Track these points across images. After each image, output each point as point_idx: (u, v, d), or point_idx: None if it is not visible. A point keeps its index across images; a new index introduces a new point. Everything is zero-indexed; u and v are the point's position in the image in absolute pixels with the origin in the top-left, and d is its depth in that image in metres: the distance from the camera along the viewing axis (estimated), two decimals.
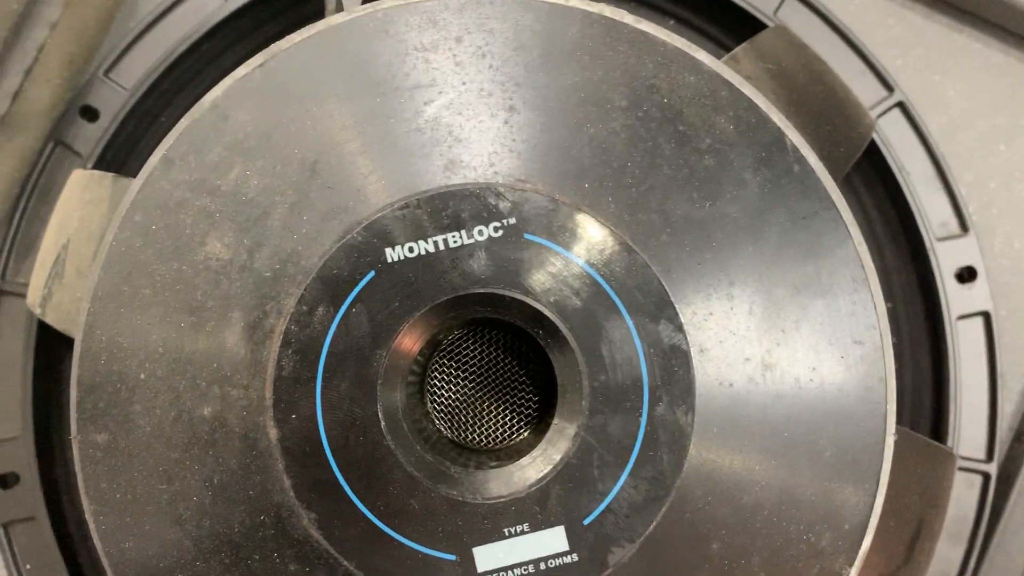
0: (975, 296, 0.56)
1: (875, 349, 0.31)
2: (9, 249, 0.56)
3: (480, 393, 0.37)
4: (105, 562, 0.32)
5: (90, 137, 0.57)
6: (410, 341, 0.31)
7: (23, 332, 0.56)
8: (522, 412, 0.37)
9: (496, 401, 0.37)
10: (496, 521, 0.30)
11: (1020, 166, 0.60)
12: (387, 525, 0.30)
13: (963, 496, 0.55)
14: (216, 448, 0.30)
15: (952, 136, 0.59)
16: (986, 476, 0.55)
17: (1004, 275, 0.59)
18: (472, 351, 0.37)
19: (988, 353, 0.56)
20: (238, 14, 0.54)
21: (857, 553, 0.31)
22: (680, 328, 0.31)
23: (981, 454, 0.55)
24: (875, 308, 0.31)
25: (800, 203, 0.31)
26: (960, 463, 0.55)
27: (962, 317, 0.56)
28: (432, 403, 0.37)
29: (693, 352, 0.31)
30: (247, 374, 0.30)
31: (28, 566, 0.55)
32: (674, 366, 0.30)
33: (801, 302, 0.31)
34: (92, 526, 0.32)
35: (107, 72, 0.57)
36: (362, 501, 0.30)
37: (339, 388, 0.30)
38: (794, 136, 0.32)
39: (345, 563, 0.30)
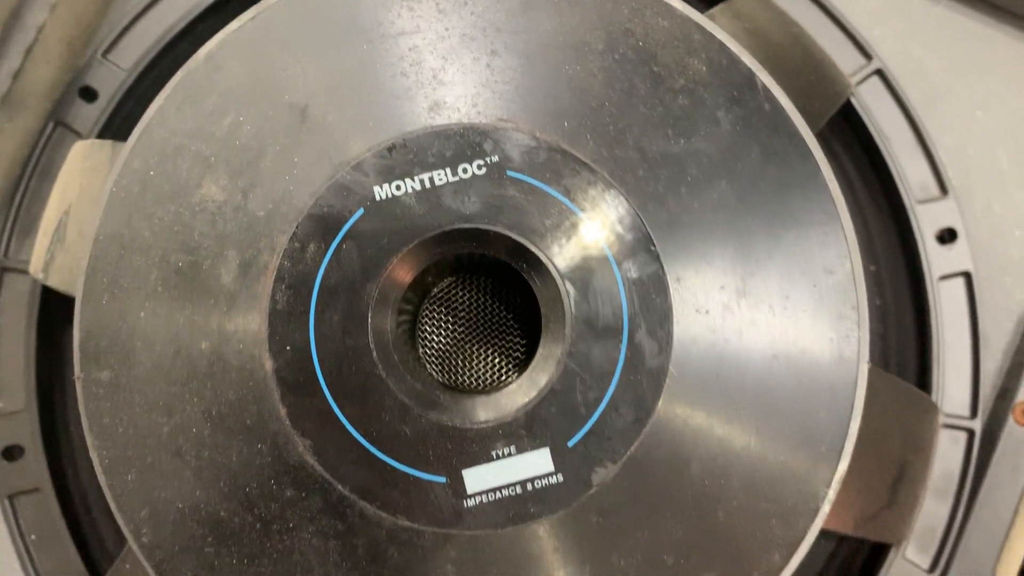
0: (956, 257, 0.57)
1: (847, 277, 0.32)
2: (11, 227, 0.58)
3: (470, 338, 0.38)
4: (108, 495, 0.33)
5: (89, 117, 0.58)
6: (399, 275, 0.32)
7: (26, 308, 0.57)
8: (511, 355, 0.38)
9: (485, 345, 0.38)
10: (484, 444, 0.31)
11: (998, 132, 0.61)
12: (379, 450, 0.31)
13: (948, 452, 0.57)
14: (214, 381, 0.31)
15: (931, 104, 0.61)
16: (971, 432, 0.56)
17: (985, 238, 0.60)
18: (461, 298, 0.39)
19: (970, 312, 0.57)
20: None
21: (833, 476, 0.32)
22: (657, 258, 0.32)
23: (965, 411, 0.56)
24: (846, 239, 0.33)
25: (771, 139, 0.33)
26: (945, 420, 0.56)
27: (944, 277, 0.57)
28: (424, 349, 0.38)
29: (670, 281, 0.32)
30: (243, 308, 0.31)
31: (33, 537, 0.56)
32: (652, 294, 0.32)
33: (773, 233, 0.33)
34: (95, 460, 0.33)
35: (105, 53, 0.58)
36: (355, 428, 0.31)
37: (331, 320, 0.31)
38: (765, 77, 0.33)
39: (339, 487, 0.31)
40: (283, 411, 0.31)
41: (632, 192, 0.32)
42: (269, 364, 0.31)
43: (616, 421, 0.31)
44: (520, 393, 0.32)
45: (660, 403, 0.31)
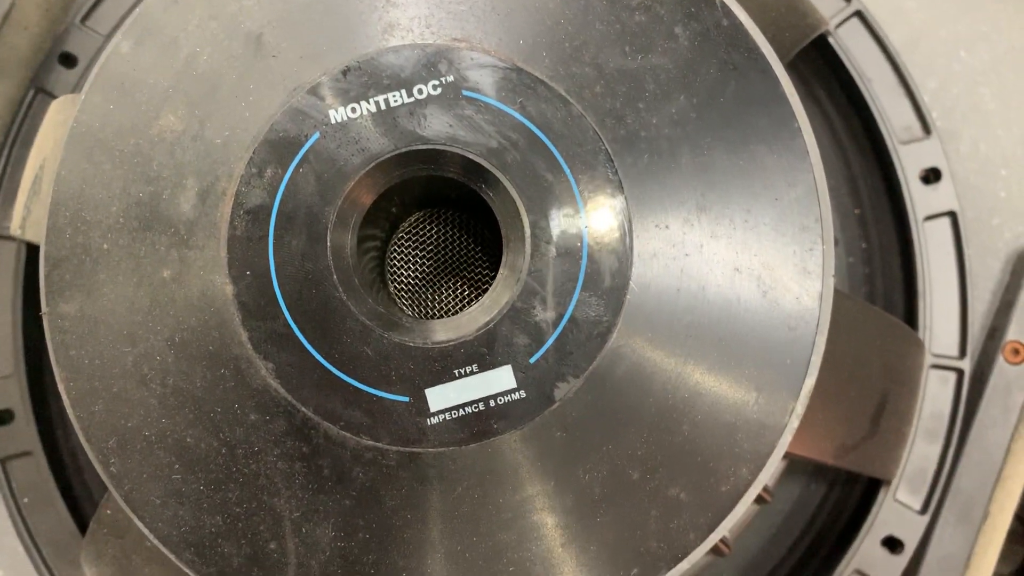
0: (941, 196, 0.57)
1: (808, 191, 0.32)
2: None
3: (438, 271, 0.38)
4: (76, 426, 0.33)
5: (69, 83, 0.58)
6: (357, 197, 0.32)
7: (12, 274, 0.57)
8: (479, 287, 0.38)
9: (454, 278, 0.38)
10: (446, 363, 0.31)
11: (982, 71, 0.61)
12: (342, 371, 0.31)
13: (938, 393, 0.56)
14: (176, 308, 0.32)
15: (914, 45, 0.60)
16: (960, 372, 0.56)
17: (972, 178, 0.60)
18: (429, 232, 0.39)
19: (956, 252, 0.57)
20: None
21: (800, 389, 0.32)
22: (615, 174, 0.32)
23: (954, 351, 0.56)
24: (808, 152, 0.32)
25: (730, 55, 0.33)
26: (934, 360, 0.56)
27: (929, 218, 0.57)
28: (393, 285, 0.38)
29: (629, 196, 0.32)
30: (203, 236, 0.32)
31: (25, 499, 0.57)
32: (610, 210, 0.32)
33: (733, 148, 0.32)
34: (63, 393, 0.33)
35: (83, 20, 0.58)
36: (317, 350, 0.31)
37: (290, 244, 0.31)
38: None
39: (303, 409, 0.31)
40: (244, 336, 0.31)
41: (589, 108, 0.32)
42: (230, 289, 0.31)
43: (577, 337, 0.31)
44: (481, 312, 0.32)
45: (621, 318, 0.31)
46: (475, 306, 0.32)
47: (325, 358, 0.31)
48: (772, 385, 0.32)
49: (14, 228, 0.48)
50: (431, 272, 0.38)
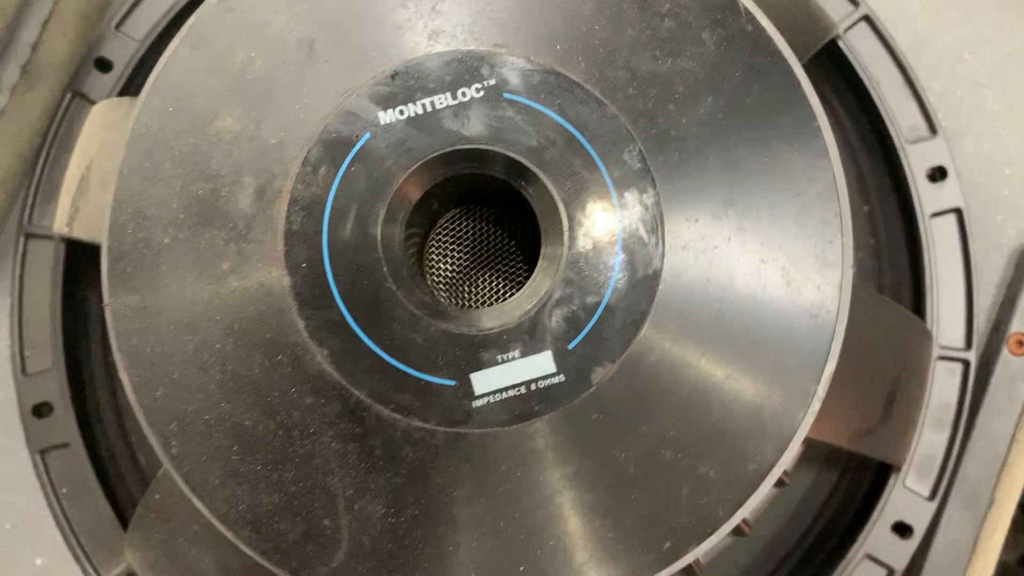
0: (946, 194, 0.59)
1: (828, 186, 0.34)
2: (34, 194, 0.60)
3: (475, 265, 0.40)
4: (139, 412, 0.35)
5: (105, 87, 0.60)
6: (405, 194, 0.34)
7: (50, 272, 0.59)
8: (513, 279, 0.40)
9: (489, 271, 0.40)
10: (490, 349, 0.33)
11: (986, 74, 0.63)
12: (392, 357, 0.33)
13: (945, 384, 0.58)
14: (235, 298, 0.34)
15: (919, 49, 0.62)
16: (966, 363, 0.58)
17: (976, 176, 0.62)
18: (466, 228, 0.41)
19: (962, 247, 0.59)
20: None
21: (822, 373, 0.34)
22: (648, 170, 0.34)
23: (960, 343, 0.58)
24: (827, 150, 0.34)
25: (754, 58, 0.35)
26: (941, 352, 0.58)
27: (935, 215, 0.59)
28: (431, 277, 0.40)
29: (661, 191, 0.34)
30: (260, 230, 0.34)
31: (64, 490, 0.59)
32: (644, 205, 0.34)
33: (757, 145, 0.34)
34: (125, 381, 0.35)
35: (118, 26, 0.60)
36: (369, 337, 0.33)
37: (343, 238, 0.33)
38: (746, 1, 0.35)
39: (356, 393, 0.33)
40: (301, 324, 0.33)
41: (623, 109, 0.34)
42: (287, 281, 0.33)
43: (613, 324, 0.33)
44: (523, 301, 0.34)
45: (654, 306, 0.33)
46: (517, 295, 0.34)
47: (377, 344, 0.33)
48: (795, 370, 0.34)
49: (59, 227, 0.50)
50: (467, 266, 0.40)
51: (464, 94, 0.34)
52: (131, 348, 0.35)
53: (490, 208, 0.41)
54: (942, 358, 0.58)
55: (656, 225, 0.33)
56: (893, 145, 0.58)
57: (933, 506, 0.57)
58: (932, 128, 0.60)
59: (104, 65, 0.61)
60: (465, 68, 0.34)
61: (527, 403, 0.34)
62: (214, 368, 0.34)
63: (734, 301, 0.34)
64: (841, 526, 0.58)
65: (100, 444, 0.59)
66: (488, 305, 0.39)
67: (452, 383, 0.33)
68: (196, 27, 0.35)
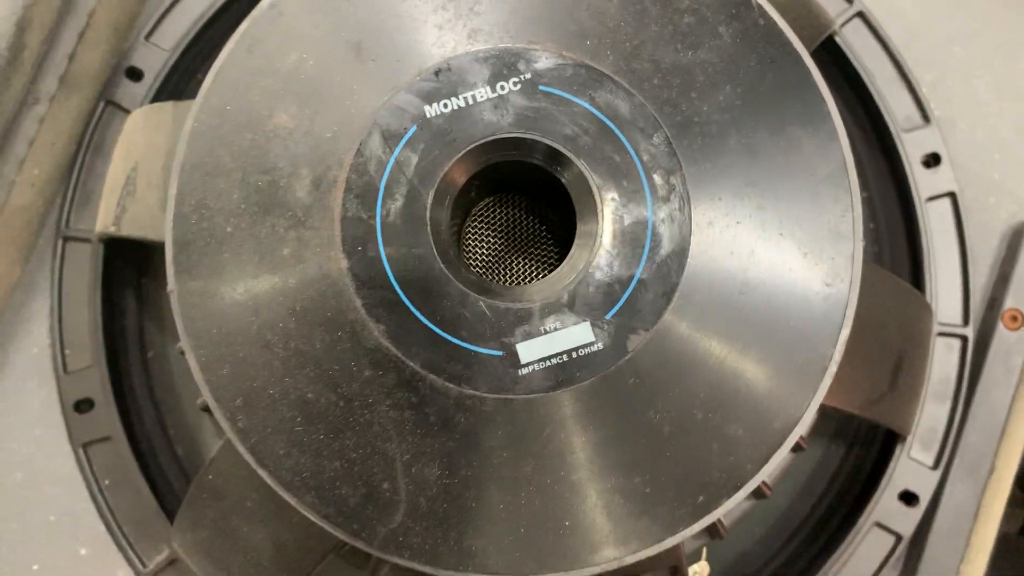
0: (941, 179, 0.62)
1: (839, 166, 0.37)
2: (71, 199, 0.63)
3: (509, 248, 0.43)
4: (206, 390, 0.38)
5: (136, 95, 0.63)
6: (451, 181, 0.37)
7: (88, 273, 0.62)
8: (545, 262, 0.43)
9: (522, 254, 0.43)
10: (533, 322, 0.36)
11: (975, 65, 0.66)
12: (444, 331, 0.36)
13: (945, 359, 0.61)
14: (296, 280, 0.36)
15: (911, 42, 0.66)
16: (964, 339, 0.61)
17: (969, 162, 0.65)
18: (499, 215, 0.44)
19: (957, 230, 0.62)
20: None
21: (838, 337, 0.37)
22: (674, 154, 0.37)
23: (958, 320, 0.61)
24: (837, 132, 0.37)
25: (767, 49, 0.38)
26: (940, 328, 0.61)
27: (931, 199, 0.62)
28: (468, 260, 0.43)
29: (687, 173, 0.37)
30: (318, 217, 0.36)
31: (106, 482, 0.61)
32: (671, 183, 0.37)
33: (773, 129, 0.37)
34: (192, 361, 0.38)
35: (148, 36, 0.63)
36: (422, 313, 0.36)
37: (395, 223, 0.36)
38: None
39: (411, 364, 0.36)
40: (358, 302, 0.36)
41: (649, 98, 0.37)
42: (344, 263, 0.36)
43: (646, 295, 0.36)
44: (562, 277, 0.37)
45: (683, 279, 0.36)
46: (556, 271, 0.37)
47: (429, 319, 0.36)
48: (813, 335, 0.37)
49: (104, 227, 0.52)
50: (502, 250, 0.43)
51: (503, 88, 0.37)
52: (197, 330, 0.38)
53: (521, 196, 0.44)
54: (941, 334, 0.61)
55: (683, 204, 0.36)
56: (889, 134, 0.61)
57: (937, 475, 0.60)
58: (925, 117, 0.63)
59: (135, 74, 0.63)
60: (503, 64, 0.37)
61: (568, 370, 0.37)
62: (277, 346, 0.37)
63: (756, 272, 0.37)
64: (851, 496, 0.61)
65: (139, 438, 0.62)
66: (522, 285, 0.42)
67: (499, 353, 0.36)
68: (250, 31, 0.38)
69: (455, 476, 0.36)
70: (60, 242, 0.62)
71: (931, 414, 0.61)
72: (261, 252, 0.37)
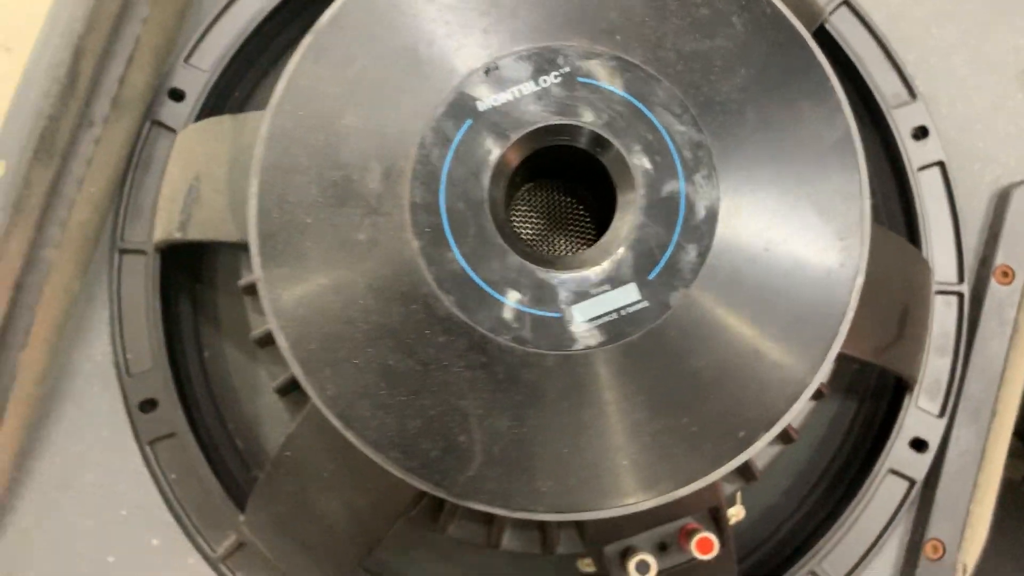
0: (929, 150, 0.68)
1: (845, 134, 0.42)
2: (124, 215, 0.67)
3: (550, 228, 0.48)
4: (295, 364, 0.42)
5: (180, 114, 0.68)
6: (506, 164, 0.42)
7: (144, 282, 0.66)
8: (583, 238, 0.48)
9: (562, 233, 0.48)
10: (585, 285, 0.40)
11: (953, 43, 0.71)
12: (507, 298, 0.40)
13: (944, 315, 0.66)
14: (372, 261, 0.41)
15: (894, 24, 0.71)
16: (960, 295, 0.66)
17: (953, 132, 0.70)
18: (539, 198, 0.48)
19: (947, 195, 0.67)
20: None
21: (853, 286, 0.42)
22: (700, 129, 0.42)
23: (954, 278, 0.66)
24: (840, 103, 0.42)
25: (775, 35, 0.43)
26: (938, 287, 0.66)
27: (922, 168, 0.68)
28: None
29: (712, 146, 0.42)
30: (389, 204, 0.41)
31: (173, 476, 0.65)
32: (699, 156, 0.42)
33: (785, 103, 0.42)
34: (282, 340, 0.43)
35: (187, 59, 0.68)
36: (486, 283, 0.41)
37: (457, 205, 0.41)
38: None
39: (480, 329, 0.40)
40: (430, 277, 0.40)
41: (675, 83, 0.42)
42: (415, 244, 0.40)
43: (684, 256, 0.41)
44: (608, 245, 0.42)
45: (714, 240, 0.41)
46: (601, 240, 0.42)
47: (493, 289, 0.40)
48: (832, 285, 0.42)
49: (169, 233, 0.57)
50: (544, 229, 0.48)
51: (545, 81, 0.42)
52: (284, 312, 0.42)
53: (556, 181, 0.49)
54: (939, 292, 0.66)
55: (711, 173, 0.41)
56: (880, 110, 0.67)
57: (943, 422, 0.65)
58: (912, 93, 0.68)
59: (177, 95, 0.68)
60: (543, 60, 0.42)
61: (619, 326, 0.41)
62: (359, 320, 0.41)
63: (778, 231, 0.42)
64: (865, 446, 0.66)
65: (201, 433, 0.66)
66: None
67: (557, 315, 0.40)
68: (314, 43, 0.43)
69: (523, 426, 0.41)
70: (116, 255, 0.66)
71: (935, 366, 0.66)
72: (339, 238, 0.41)
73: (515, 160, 0.42)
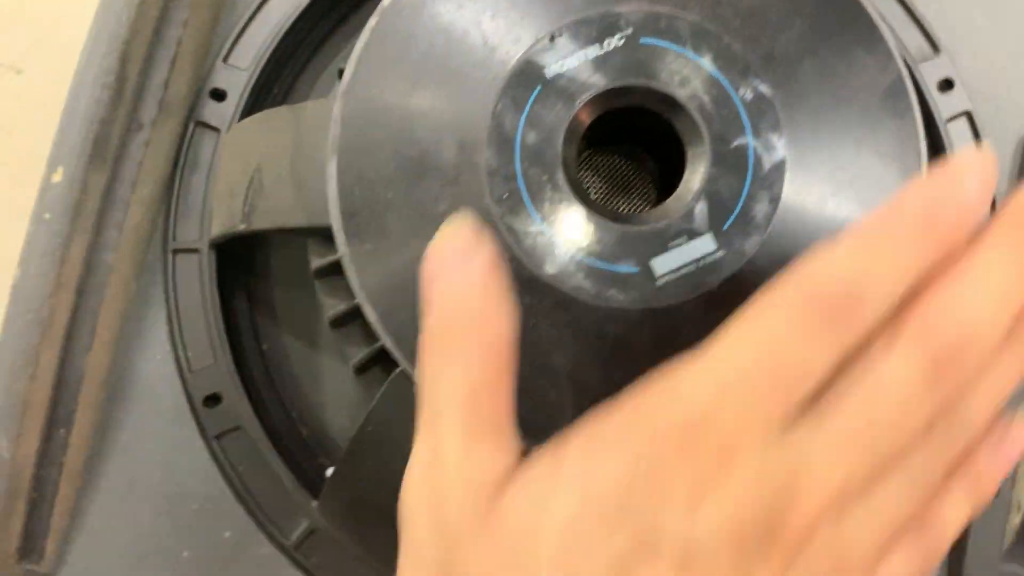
0: (956, 101, 0.69)
1: (897, 77, 0.44)
2: (175, 215, 0.68)
3: (613, 191, 0.50)
4: (385, 338, 0.44)
5: (223, 114, 0.69)
6: (576, 126, 0.44)
7: (198, 279, 0.67)
8: (647, 200, 0.49)
9: (625, 196, 0.50)
10: (662, 239, 0.42)
11: None
12: (587, 256, 0.42)
13: None
14: None
15: None
16: None
17: (975, 83, 0.72)
18: (601, 162, 0.50)
19: (976, 143, 0.69)
20: None
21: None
22: (762, 82, 0.43)
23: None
24: (891, 51, 0.44)
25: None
26: None
27: (950, 119, 0.69)
28: None
29: (774, 96, 0.43)
30: (467, 175, 0.42)
31: (241, 467, 0.66)
32: (763, 108, 0.43)
33: (840, 52, 0.44)
34: (370, 313, 0.44)
35: (226, 59, 0.69)
36: (566, 243, 0.42)
37: (532, 170, 0.42)
38: None
39: (563, 289, 0.42)
40: (511, 241, 0.42)
41: (734, 39, 0.43)
42: (495, 210, 0.42)
43: (756, 205, 0.43)
44: (681, 198, 0.44)
45: (785, 186, 0.43)
46: (674, 195, 0.44)
47: (573, 248, 0.42)
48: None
49: (232, 226, 0.58)
50: (607, 192, 0.50)
51: (608, 44, 0.43)
52: (371, 286, 0.44)
53: (615, 147, 0.50)
54: None
55: (776, 122, 0.43)
56: (908, 65, 0.68)
57: None
58: (935, 47, 0.70)
59: (219, 95, 0.69)
60: (606, 24, 0.43)
61: (698, 277, 0.43)
62: None
63: (843, 174, 0.43)
64: None
65: (266, 424, 0.67)
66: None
67: (636, 270, 0.42)
68: (378, 27, 0.44)
69: (610, 379, 0.42)
70: (170, 255, 0.67)
71: None
72: (421, 211, 0.43)
73: (585, 121, 0.43)
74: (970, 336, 0.27)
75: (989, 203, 0.28)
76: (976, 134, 0.69)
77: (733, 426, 0.27)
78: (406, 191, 0.42)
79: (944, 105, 0.69)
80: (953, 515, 0.31)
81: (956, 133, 0.69)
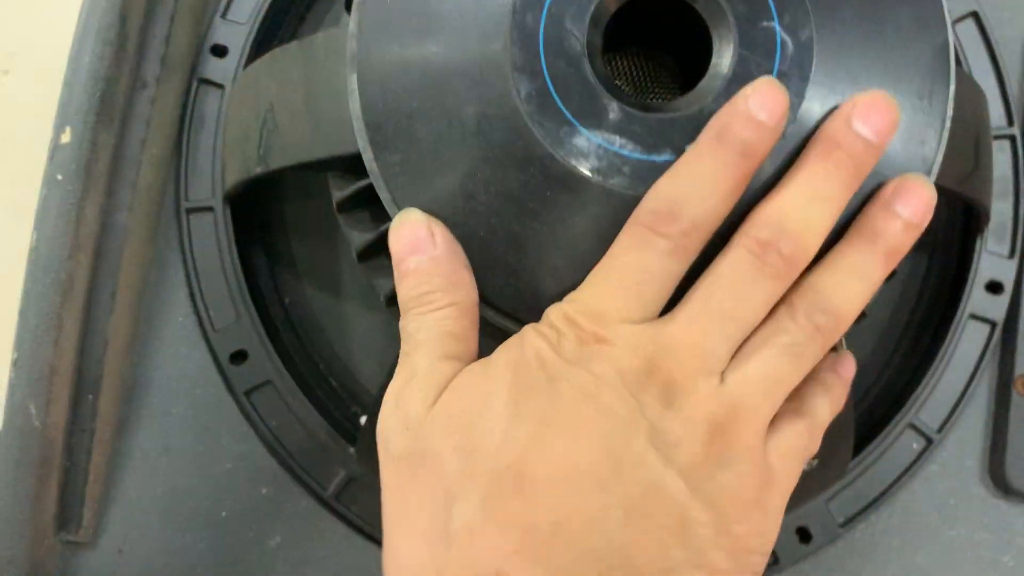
0: (962, 1, 0.69)
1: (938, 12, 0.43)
2: (185, 174, 0.67)
3: (637, 91, 0.49)
4: None
5: (225, 69, 0.68)
6: (598, 18, 0.43)
7: (214, 237, 0.67)
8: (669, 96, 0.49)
9: (649, 95, 0.49)
10: (695, 125, 0.41)
11: None
12: (620, 148, 0.41)
13: (1000, 160, 0.68)
14: (485, 131, 0.42)
15: None
16: (1012, 138, 0.68)
17: None
18: (621, 64, 0.49)
19: (985, 43, 0.69)
20: None
21: (946, 114, 0.43)
22: None
23: (1003, 123, 0.68)
24: None
25: None
26: (992, 133, 0.67)
27: (957, 20, 0.69)
28: None
29: None
30: (492, 74, 0.41)
31: (273, 422, 0.66)
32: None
33: None
34: None
35: (224, 15, 0.68)
36: (598, 136, 0.41)
37: (558, 65, 0.42)
38: None
39: (601, 182, 0.41)
40: (541, 136, 0.41)
41: None
42: (523, 107, 0.41)
43: (786, 85, 0.42)
44: (710, 83, 0.43)
45: (813, 68, 0.42)
46: (702, 81, 0.43)
47: (606, 142, 0.41)
48: (931, 119, 0.43)
49: (247, 171, 0.57)
50: (631, 92, 0.49)
51: None
52: (401, 195, 0.43)
53: (635, 48, 0.50)
54: (995, 137, 0.67)
55: (806, 15, 0.42)
56: None
57: (1015, 263, 0.67)
58: None
59: (220, 51, 0.69)
60: None
61: None
62: (479, 192, 0.42)
63: (872, 58, 0.43)
64: (943, 295, 0.67)
65: (295, 377, 0.66)
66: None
67: (672, 157, 0.41)
68: None
69: None
70: (184, 215, 0.67)
71: (998, 210, 0.67)
72: (448, 115, 0.42)
73: (611, 8, 0.42)
74: (785, 223, 0.37)
75: (779, 117, 0.38)
76: (984, 34, 0.69)
77: (602, 318, 0.38)
78: (431, 96, 0.42)
79: (951, 5, 0.69)
80: (820, 410, 0.39)
81: (964, 33, 0.69)
